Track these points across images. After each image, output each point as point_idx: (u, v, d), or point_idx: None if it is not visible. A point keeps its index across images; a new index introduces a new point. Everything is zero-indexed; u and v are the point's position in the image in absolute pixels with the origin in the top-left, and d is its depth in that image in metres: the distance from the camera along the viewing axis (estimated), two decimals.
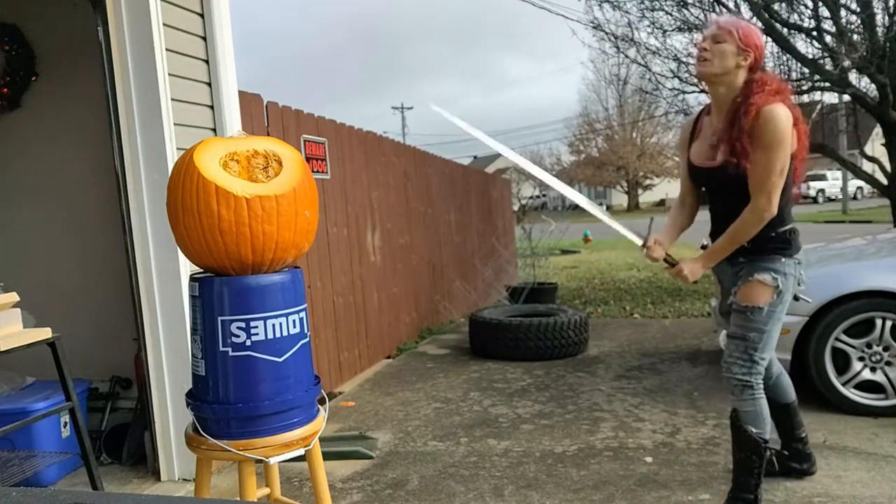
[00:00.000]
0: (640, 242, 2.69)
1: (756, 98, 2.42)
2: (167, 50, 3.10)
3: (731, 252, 2.59)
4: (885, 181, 7.54)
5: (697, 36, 7.71)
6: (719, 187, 2.63)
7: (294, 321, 1.94)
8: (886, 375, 3.65)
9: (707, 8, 7.57)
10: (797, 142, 2.51)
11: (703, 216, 2.79)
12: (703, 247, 2.82)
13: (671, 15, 7.78)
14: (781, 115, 2.39)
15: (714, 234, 2.69)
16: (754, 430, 2.57)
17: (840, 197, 28.48)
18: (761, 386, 2.59)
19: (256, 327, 1.87)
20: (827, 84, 7.19)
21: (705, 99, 8.09)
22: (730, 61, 2.48)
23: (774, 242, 2.55)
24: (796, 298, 2.76)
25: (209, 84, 3.36)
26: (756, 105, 2.41)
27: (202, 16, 3.34)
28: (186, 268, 3.09)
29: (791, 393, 2.92)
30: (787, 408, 2.90)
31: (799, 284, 2.65)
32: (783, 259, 2.55)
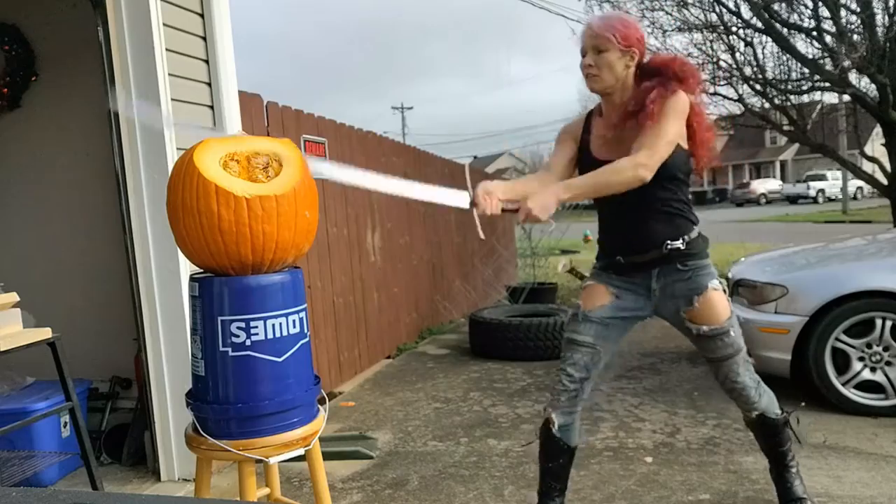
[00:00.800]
0: (466, 203, 2.22)
1: (652, 106, 2.25)
2: (167, 50, 3.10)
3: (589, 194, 2.28)
4: (885, 181, 7.55)
5: (697, 36, 7.72)
6: (615, 199, 2.31)
7: (294, 321, 1.94)
8: (886, 375, 3.65)
9: (707, 8, 7.58)
10: (696, 132, 2.36)
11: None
12: (571, 271, 2.68)
13: (671, 15, 7.79)
14: (681, 97, 2.26)
15: (618, 252, 2.43)
16: (779, 413, 2.51)
17: (840, 197, 28.49)
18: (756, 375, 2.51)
19: (256, 327, 1.87)
20: (827, 84, 7.20)
21: (705, 98, 8.09)
22: (619, 69, 2.32)
23: (701, 244, 2.40)
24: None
25: (209, 84, 3.36)
26: (655, 106, 2.26)
27: (202, 16, 3.33)
28: (186, 268, 3.09)
29: (577, 437, 2.60)
30: (572, 454, 2.60)
31: None
32: (709, 259, 2.43)
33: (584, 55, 2.37)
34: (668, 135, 2.23)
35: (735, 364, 2.41)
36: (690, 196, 2.48)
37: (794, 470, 2.58)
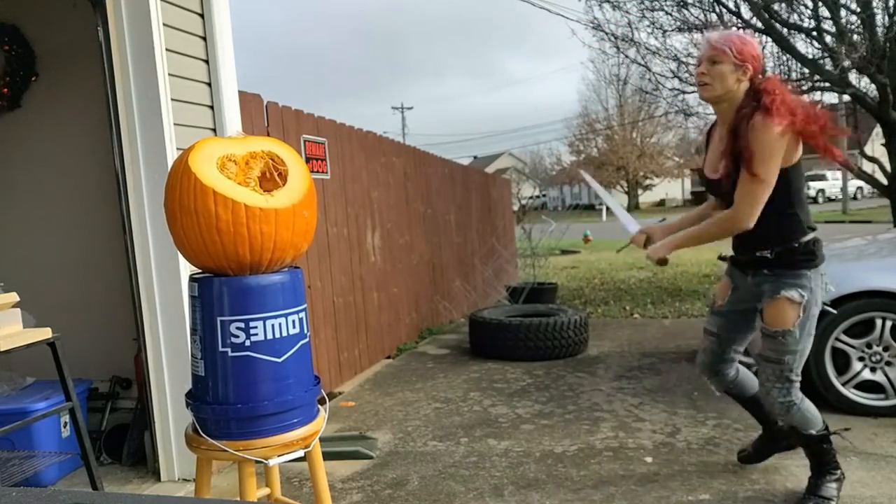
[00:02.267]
0: (633, 230, 2.87)
1: (756, 114, 2.40)
2: (167, 50, 3.10)
3: (685, 245, 2.70)
4: (885, 181, 7.54)
5: (697, 36, 7.71)
6: (727, 198, 2.60)
7: (294, 321, 1.94)
8: (886, 375, 3.65)
9: (707, 8, 7.57)
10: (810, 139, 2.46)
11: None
12: (721, 257, 2.91)
13: (671, 15, 7.78)
14: (774, 129, 2.36)
15: (733, 248, 2.73)
16: (815, 431, 2.64)
17: (840, 197, 28.48)
18: (801, 394, 2.60)
19: (256, 328, 1.87)
20: (827, 84, 7.19)
21: None
22: (730, 81, 2.47)
23: (799, 254, 2.51)
24: (822, 312, 2.75)
25: (209, 84, 3.36)
26: (755, 118, 2.40)
27: (202, 16, 3.34)
28: (186, 268, 3.09)
29: (752, 384, 2.93)
30: (754, 399, 2.93)
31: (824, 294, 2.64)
32: (808, 273, 2.51)
33: (699, 65, 2.55)
34: (768, 180, 2.40)
35: (770, 370, 2.57)
36: (800, 203, 2.56)
37: (833, 477, 2.68)
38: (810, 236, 2.54)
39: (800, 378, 2.59)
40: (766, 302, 2.56)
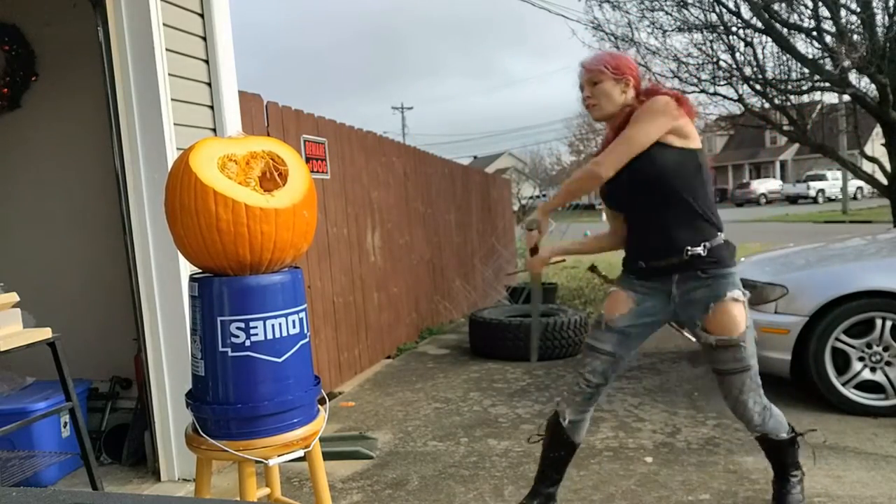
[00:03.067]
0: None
1: (635, 105, 2.42)
2: (167, 50, 3.10)
3: (570, 199, 2.66)
4: (885, 181, 7.54)
5: (697, 36, 7.71)
6: (637, 206, 2.47)
7: (294, 321, 1.94)
8: (886, 375, 3.65)
9: (707, 8, 7.57)
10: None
11: None
12: (593, 269, 2.98)
13: (671, 15, 7.78)
14: (658, 98, 2.35)
15: (640, 256, 2.50)
16: (785, 435, 2.53)
17: (840, 197, 28.48)
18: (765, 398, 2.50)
19: (256, 328, 1.87)
20: (827, 84, 7.19)
21: (705, 99, 8.09)
22: (615, 96, 2.45)
23: (724, 251, 2.40)
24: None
25: (209, 84, 3.36)
26: (634, 107, 2.41)
27: (202, 16, 3.34)
28: (186, 268, 3.09)
29: (582, 435, 2.69)
30: (574, 449, 2.69)
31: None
32: (734, 269, 2.41)
33: (582, 90, 2.52)
34: (634, 137, 2.32)
35: (740, 381, 2.40)
36: (715, 200, 2.51)
37: (795, 480, 2.62)
38: (722, 232, 2.44)
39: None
40: (713, 307, 2.36)
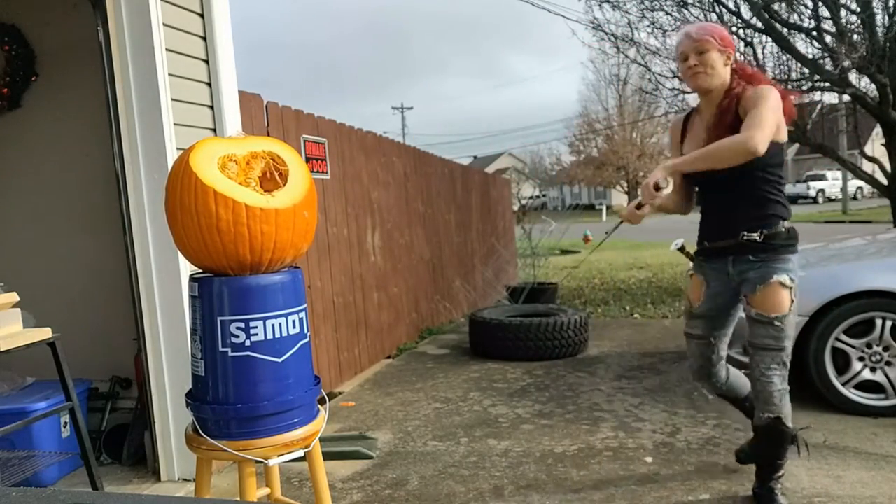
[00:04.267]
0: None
1: (741, 85, 2.52)
2: (167, 50, 3.10)
3: (699, 165, 2.43)
4: (885, 181, 7.54)
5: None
6: (712, 183, 2.61)
7: (294, 321, 1.94)
8: (886, 375, 3.65)
9: (707, 8, 7.57)
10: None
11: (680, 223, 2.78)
12: (682, 249, 2.91)
13: (671, 15, 7.78)
14: (772, 89, 2.45)
15: (705, 236, 2.68)
16: (791, 426, 2.61)
17: (840, 197, 28.48)
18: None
19: (256, 328, 1.87)
20: (827, 84, 7.19)
21: None
22: (720, 67, 2.56)
23: (784, 238, 2.52)
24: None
25: (209, 84, 3.36)
26: (745, 88, 2.50)
27: (202, 16, 3.34)
28: (186, 268, 3.09)
29: (744, 385, 2.92)
30: (747, 399, 2.92)
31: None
32: (792, 257, 2.53)
33: (685, 59, 2.58)
34: (770, 117, 2.36)
35: (770, 358, 2.53)
36: (784, 190, 2.59)
37: (779, 485, 2.69)
38: (791, 222, 2.56)
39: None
40: (759, 288, 2.52)
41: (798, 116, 7.88)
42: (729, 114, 2.50)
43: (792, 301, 2.50)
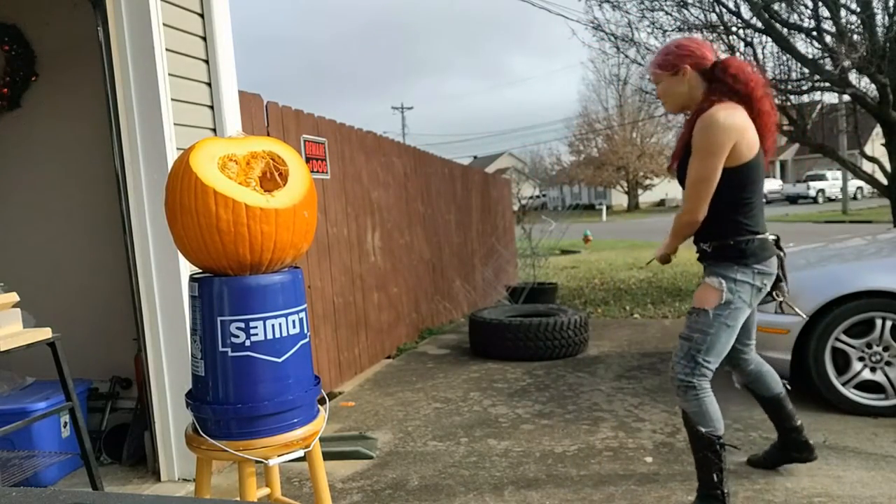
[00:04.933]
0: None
1: (703, 105, 2.55)
2: (167, 50, 3.10)
3: (674, 246, 2.80)
4: (885, 181, 7.54)
5: (697, 36, 7.71)
6: (683, 186, 2.70)
7: (294, 321, 1.94)
8: (886, 375, 3.65)
9: (707, 8, 7.57)
10: (765, 138, 2.59)
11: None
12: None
13: (671, 15, 7.78)
14: (719, 120, 2.45)
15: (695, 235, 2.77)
16: (704, 429, 2.59)
17: (840, 197, 28.48)
18: (706, 386, 2.60)
19: (256, 328, 1.87)
20: (827, 84, 7.18)
21: None
22: (676, 89, 2.63)
23: (728, 251, 2.59)
24: (782, 310, 2.91)
25: (209, 84, 3.36)
26: (699, 112, 2.54)
27: (202, 16, 3.34)
28: (186, 268, 3.09)
29: (775, 385, 2.94)
30: (773, 400, 2.93)
31: (771, 295, 2.70)
32: (735, 266, 2.57)
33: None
34: (699, 181, 2.52)
35: (680, 346, 2.63)
36: (749, 209, 2.62)
37: (712, 499, 2.61)
38: (746, 237, 2.57)
39: (709, 366, 2.58)
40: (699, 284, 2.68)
41: (798, 116, 7.89)
42: (687, 133, 2.58)
43: (718, 303, 2.54)
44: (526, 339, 5.35)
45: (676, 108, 2.69)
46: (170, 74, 3.10)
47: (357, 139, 5.34)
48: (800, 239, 8.68)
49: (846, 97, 8.31)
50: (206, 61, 3.35)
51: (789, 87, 7.70)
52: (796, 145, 31.12)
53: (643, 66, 8.28)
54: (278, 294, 1.92)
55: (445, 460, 3.36)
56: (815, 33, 7.22)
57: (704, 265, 2.68)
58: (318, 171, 4.61)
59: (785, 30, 7.23)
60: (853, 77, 7.07)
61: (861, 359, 3.69)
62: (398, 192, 6.15)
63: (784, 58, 7.58)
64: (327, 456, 3.33)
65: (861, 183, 24.34)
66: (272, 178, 1.95)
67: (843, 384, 3.71)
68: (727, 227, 2.59)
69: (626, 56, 8.45)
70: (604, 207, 39.28)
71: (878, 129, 7.42)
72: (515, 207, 11.92)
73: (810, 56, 7.31)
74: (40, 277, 3.81)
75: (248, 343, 1.87)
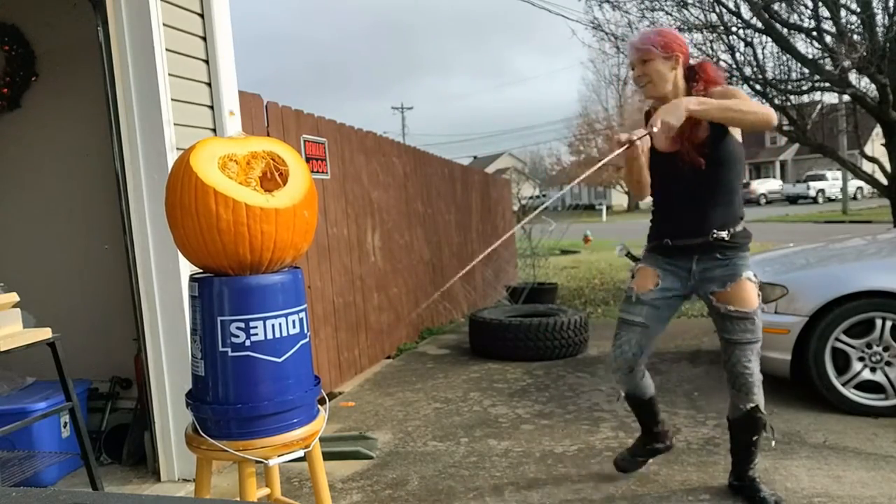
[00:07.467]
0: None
1: (703, 90, 2.55)
2: (167, 50, 3.10)
3: (716, 115, 2.39)
4: (885, 181, 7.54)
5: (697, 36, 7.72)
6: (679, 180, 2.60)
7: (294, 321, 1.94)
8: (886, 375, 3.65)
9: (707, 8, 7.57)
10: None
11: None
12: (630, 255, 2.93)
13: (671, 15, 7.78)
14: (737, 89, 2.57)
15: (667, 234, 2.68)
16: (765, 416, 2.66)
17: (840, 197, 28.47)
18: None
19: (256, 328, 1.87)
20: (827, 84, 7.18)
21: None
22: (666, 73, 2.59)
23: (745, 237, 2.62)
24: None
25: (209, 84, 3.36)
26: (707, 90, 2.54)
27: (202, 16, 3.34)
28: (186, 268, 3.09)
29: (651, 385, 2.96)
30: (651, 401, 2.96)
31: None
32: (748, 254, 2.65)
33: (633, 69, 2.63)
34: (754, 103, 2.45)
35: (750, 351, 2.59)
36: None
37: (757, 474, 2.74)
38: (745, 218, 2.65)
39: None
40: (730, 286, 2.58)
41: (798, 116, 7.89)
42: (689, 129, 2.51)
43: (759, 295, 2.61)
44: (526, 339, 5.35)
45: (659, 93, 2.60)
46: (170, 74, 3.10)
47: (357, 139, 5.34)
48: (800, 239, 8.68)
49: (846, 97, 8.30)
50: (206, 61, 3.35)
51: (789, 87, 7.70)
52: (796, 145, 31.10)
53: None
54: (278, 294, 1.92)
55: (445, 460, 3.36)
56: (815, 33, 7.22)
57: (716, 259, 2.59)
58: (318, 172, 4.61)
59: (785, 30, 7.23)
60: (853, 77, 7.07)
61: (861, 359, 3.69)
62: (398, 193, 6.15)
63: (784, 58, 7.58)
64: (327, 456, 3.33)
65: (861, 183, 24.34)
66: (272, 178, 1.95)
67: (844, 384, 3.71)
68: (738, 210, 2.61)
69: (626, 56, 8.45)
70: (604, 207, 39.28)
71: (878, 129, 7.42)
72: (515, 207, 11.93)
73: (810, 56, 7.31)
74: (40, 277, 3.81)
75: (248, 343, 1.87)
